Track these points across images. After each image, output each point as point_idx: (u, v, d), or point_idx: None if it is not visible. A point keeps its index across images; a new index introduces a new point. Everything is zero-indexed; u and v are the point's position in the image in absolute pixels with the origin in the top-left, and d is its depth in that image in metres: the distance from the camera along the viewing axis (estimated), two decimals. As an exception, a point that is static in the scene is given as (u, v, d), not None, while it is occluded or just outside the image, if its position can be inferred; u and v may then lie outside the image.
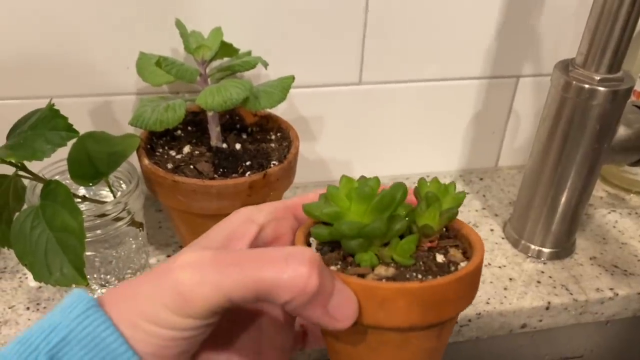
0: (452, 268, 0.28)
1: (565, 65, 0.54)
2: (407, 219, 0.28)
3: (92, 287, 0.52)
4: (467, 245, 0.29)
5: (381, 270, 0.27)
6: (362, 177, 0.29)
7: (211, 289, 0.22)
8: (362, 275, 0.26)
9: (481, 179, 0.75)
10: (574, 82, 0.52)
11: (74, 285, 0.43)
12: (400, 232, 0.27)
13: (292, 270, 0.22)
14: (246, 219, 0.29)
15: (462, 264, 0.28)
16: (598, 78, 0.51)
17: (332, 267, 0.27)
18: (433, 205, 0.28)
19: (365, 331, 0.25)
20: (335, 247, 0.29)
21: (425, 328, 0.26)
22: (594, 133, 0.54)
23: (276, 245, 0.30)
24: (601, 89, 0.51)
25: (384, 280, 0.26)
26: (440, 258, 0.28)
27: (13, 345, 0.24)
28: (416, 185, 0.30)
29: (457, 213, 0.29)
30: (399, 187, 0.27)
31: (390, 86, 0.67)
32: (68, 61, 0.58)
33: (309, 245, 0.30)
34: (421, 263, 0.27)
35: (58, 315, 0.24)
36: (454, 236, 0.30)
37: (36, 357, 0.23)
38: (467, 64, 0.67)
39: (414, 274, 0.27)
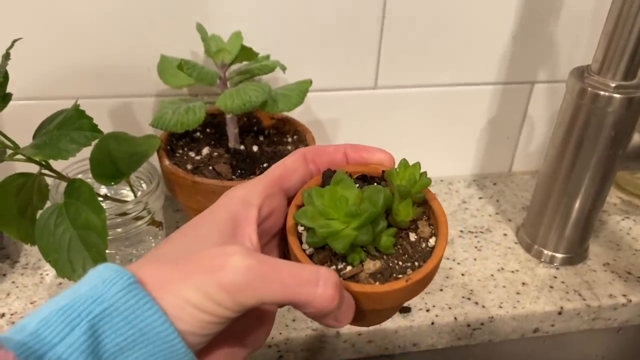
0: (423, 245, 0.32)
1: (581, 72, 0.54)
2: (385, 217, 0.31)
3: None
4: (431, 214, 0.33)
5: (370, 265, 0.30)
6: (339, 176, 0.31)
7: (254, 295, 0.26)
8: (356, 275, 0.30)
9: (495, 183, 0.76)
10: (590, 89, 0.52)
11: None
12: (382, 231, 0.31)
13: (322, 292, 0.26)
14: (243, 202, 0.30)
15: (431, 240, 0.32)
16: (614, 85, 0.52)
17: (326, 265, 0.31)
18: (406, 200, 0.31)
19: (363, 312, 0.30)
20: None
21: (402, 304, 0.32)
22: (609, 139, 0.54)
23: (270, 221, 0.32)
24: (617, 95, 0.51)
25: (372, 278, 0.30)
26: (412, 237, 0.32)
27: (53, 311, 0.24)
28: (385, 170, 0.33)
29: (424, 195, 0.32)
30: (378, 199, 0.30)
31: (405, 91, 0.67)
32: (91, 63, 0.59)
33: (297, 229, 0.32)
34: (399, 247, 0.31)
35: (100, 287, 0.25)
36: (420, 205, 0.33)
37: (78, 324, 0.24)
38: (482, 70, 0.68)
39: (396, 262, 0.31)
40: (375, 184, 0.33)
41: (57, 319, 0.24)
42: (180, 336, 0.25)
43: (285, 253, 0.34)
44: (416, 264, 0.31)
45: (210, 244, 0.28)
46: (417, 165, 0.31)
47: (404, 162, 0.32)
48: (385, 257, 0.31)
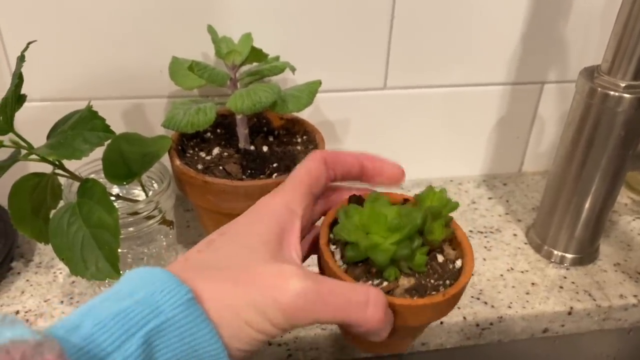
0: (451, 266, 0.34)
1: (591, 72, 0.54)
2: (419, 235, 0.33)
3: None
4: (453, 238, 0.35)
5: (404, 281, 0.32)
6: (382, 196, 0.34)
7: (308, 317, 0.27)
8: (392, 290, 0.32)
9: (505, 184, 0.76)
10: (599, 89, 0.52)
11: (106, 280, 0.44)
12: (417, 249, 0.33)
13: (372, 314, 0.28)
14: (288, 211, 0.31)
15: (458, 262, 0.34)
16: (624, 85, 0.51)
17: (362, 281, 0.32)
18: (439, 221, 0.33)
19: (395, 329, 0.31)
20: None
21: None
22: (619, 139, 0.54)
23: (305, 229, 0.33)
24: (627, 95, 0.51)
25: (407, 294, 0.32)
26: (440, 258, 0.34)
27: (109, 315, 0.24)
28: (416, 195, 0.35)
29: (451, 218, 0.35)
30: (416, 216, 0.32)
31: (414, 91, 0.68)
32: (105, 66, 0.60)
33: (331, 238, 0.34)
34: (429, 266, 0.33)
35: (157, 296, 0.25)
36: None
37: (135, 333, 0.24)
38: (492, 70, 0.68)
39: (428, 280, 0.33)
40: None
41: (113, 324, 0.24)
42: (228, 354, 0.26)
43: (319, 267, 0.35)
44: (447, 282, 0.33)
45: (262, 257, 0.28)
46: (444, 190, 0.34)
47: (430, 188, 0.34)
48: (417, 275, 0.33)
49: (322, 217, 0.36)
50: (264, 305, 0.26)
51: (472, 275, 0.35)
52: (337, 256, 0.33)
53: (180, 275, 0.26)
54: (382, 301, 0.28)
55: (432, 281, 0.33)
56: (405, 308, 0.30)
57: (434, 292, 0.32)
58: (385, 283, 0.32)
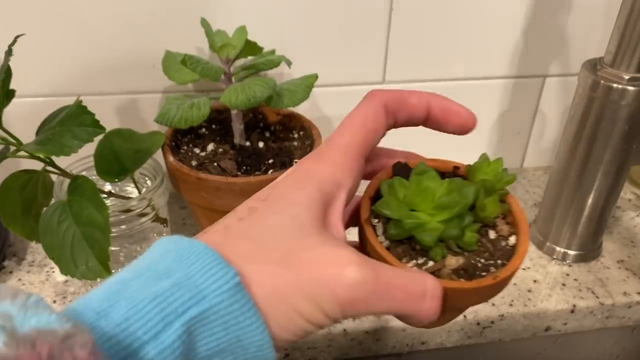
0: (503, 243, 0.30)
1: (593, 65, 0.53)
2: (470, 210, 0.30)
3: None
4: (508, 212, 0.31)
5: (452, 261, 0.29)
6: (428, 165, 0.30)
7: (364, 309, 0.24)
8: (438, 271, 0.29)
9: (506, 180, 0.74)
10: (602, 82, 0.51)
11: (98, 279, 0.44)
12: (467, 226, 0.29)
13: (428, 306, 0.25)
14: (333, 182, 0.27)
15: (512, 239, 0.30)
16: (627, 77, 0.50)
17: (404, 260, 0.29)
18: (493, 196, 0.30)
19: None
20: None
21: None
22: (623, 133, 0.52)
23: (354, 192, 0.29)
24: (630, 88, 0.50)
25: (454, 275, 0.29)
26: (492, 234, 0.31)
27: (145, 299, 0.21)
28: (468, 165, 0.32)
29: (507, 192, 0.31)
30: (468, 192, 0.28)
31: (414, 85, 0.66)
32: (97, 60, 0.59)
33: (372, 211, 0.30)
34: (479, 244, 0.30)
35: (199, 279, 0.22)
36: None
37: (172, 321, 0.21)
38: (493, 63, 0.67)
39: (478, 259, 0.29)
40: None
41: (151, 309, 0.21)
42: (273, 344, 0.24)
43: (359, 240, 0.32)
44: (499, 261, 0.29)
45: (311, 234, 0.25)
46: (500, 161, 0.30)
47: (485, 157, 0.31)
48: (466, 254, 0.30)
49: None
50: (320, 296, 0.23)
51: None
52: (380, 230, 0.30)
53: (221, 251, 0.23)
54: (439, 292, 0.26)
55: (482, 260, 0.29)
56: (452, 291, 0.27)
57: (484, 273, 0.28)
58: (430, 263, 0.29)
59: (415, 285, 0.25)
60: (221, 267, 0.22)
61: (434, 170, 0.30)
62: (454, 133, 0.32)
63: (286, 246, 0.24)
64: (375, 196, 0.31)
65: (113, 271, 0.45)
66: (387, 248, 0.29)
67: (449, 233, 0.28)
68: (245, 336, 0.23)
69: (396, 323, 0.53)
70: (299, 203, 0.26)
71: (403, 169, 0.32)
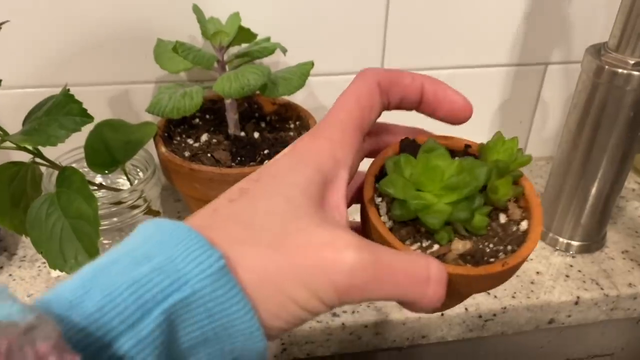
0: (514, 228, 0.28)
1: (597, 50, 0.52)
2: (480, 192, 0.27)
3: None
4: (520, 195, 0.29)
5: (459, 245, 0.27)
6: (437, 141, 0.28)
7: (363, 295, 0.23)
8: (444, 255, 0.27)
9: (507, 170, 0.73)
10: (607, 67, 0.50)
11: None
12: (476, 209, 0.27)
13: (432, 292, 0.24)
14: (333, 159, 0.25)
15: (523, 224, 0.28)
16: (632, 62, 0.49)
17: (408, 243, 0.27)
18: (506, 177, 0.28)
19: None
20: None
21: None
22: (628, 120, 0.51)
23: (352, 177, 0.28)
24: (636, 73, 0.49)
25: (461, 260, 0.27)
26: (503, 218, 0.29)
27: (122, 284, 0.20)
28: (481, 143, 0.30)
29: (521, 174, 0.29)
30: (480, 173, 0.26)
31: (413, 74, 0.65)
32: (87, 50, 0.57)
33: (376, 190, 0.29)
34: (489, 228, 0.28)
35: (180, 262, 0.20)
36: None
37: (150, 310, 0.19)
38: (493, 51, 0.65)
39: (487, 244, 0.27)
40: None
41: (126, 296, 0.19)
42: (264, 333, 0.22)
43: (361, 221, 0.30)
44: (509, 247, 0.27)
45: (306, 215, 0.23)
46: (515, 140, 0.28)
47: (500, 136, 0.28)
48: (474, 237, 0.28)
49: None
50: (315, 282, 0.22)
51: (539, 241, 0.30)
52: (383, 210, 0.28)
53: (207, 234, 0.22)
54: (444, 277, 0.24)
55: (491, 245, 0.28)
56: (458, 277, 0.26)
57: (492, 259, 0.27)
58: (436, 246, 0.27)
59: (419, 270, 0.24)
60: (204, 249, 0.21)
61: (444, 148, 0.28)
62: (447, 121, 0.30)
63: (279, 229, 0.23)
64: (380, 174, 0.29)
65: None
66: (390, 229, 0.27)
67: (457, 216, 0.26)
68: (231, 324, 0.21)
69: (396, 316, 0.51)
70: (294, 184, 0.24)
71: (410, 145, 0.30)
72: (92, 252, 0.41)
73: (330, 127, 0.26)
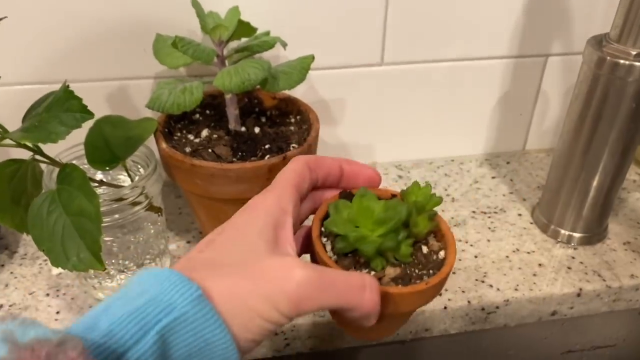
0: (434, 257, 0.36)
1: (599, 40, 0.51)
2: (405, 227, 0.35)
3: (111, 273, 0.51)
4: (437, 231, 0.37)
5: (390, 271, 0.34)
6: (366, 192, 0.36)
7: (314, 304, 0.29)
8: (379, 279, 0.33)
9: (508, 162, 0.73)
10: (609, 58, 0.49)
11: (91, 271, 0.42)
12: (402, 240, 0.34)
13: (368, 297, 0.30)
14: (279, 207, 0.33)
15: (441, 253, 0.36)
16: (634, 53, 0.48)
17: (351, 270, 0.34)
18: (423, 214, 0.35)
19: (382, 316, 0.33)
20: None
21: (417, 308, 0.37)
22: (630, 112, 0.51)
23: (297, 224, 0.36)
24: (638, 64, 0.48)
25: (393, 282, 0.34)
26: (425, 249, 0.36)
27: (125, 313, 0.25)
28: (402, 190, 0.37)
29: (436, 212, 0.36)
30: (402, 210, 0.34)
31: (413, 67, 0.65)
32: (86, 45, 0.57)
33: (322, 231, 0.36)
34: (414, 257, 0.35)
35: (167, 294, 0.26)
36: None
37: (149, 330, 0.25)
38: (493, 43, 0.65)
39: (413, 269, 0.35)
40: None
41: (129, 322, 0.25)
42: (236, 346, 0.27)
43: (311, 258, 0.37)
44: (431, 271, 0.35)
45: (263, 251, 0.30)
46: (429, 186, 0.36)
47: (416, 183, 0.36)
48: (403, 265, 0.35)
49: (312, 216, 0.37)
50: (272, 295, 0.27)
51: (454, 266, 0.38)
52: (328, 247, 0.35)
53: (187, 274, 0.27)
54: (376, 285, 0.31)
55: (416, 271, 0.35)
56: (391, 295, 0.32)
57: (418, 281, 0.33)
58: (372, 273, 0.34)
59: (355, 280, 0.30)
60: (185, 283, 0.27)
61: (373, 194, 0.36)
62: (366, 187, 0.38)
63: (241, 262, 0.29)
64: (325, 218, 0.36)
65: (107, 262, 0.44)
66: (336, 262, 0.34)
67: (386, 245, 0.33)
68: (211, 340, 0.26)
69: (399, 310, 0.51)
70: (250, 231, 0.31)
71: (347, 195, 0.37)
72: (95, 249, 0.41)
73: (276, 187, 0.34)
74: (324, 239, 0.35)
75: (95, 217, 0.41)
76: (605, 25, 0.51)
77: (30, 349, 0.21)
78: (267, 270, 0.28)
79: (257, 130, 0.55)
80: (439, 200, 0.35)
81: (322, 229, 0.36)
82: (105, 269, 0.42)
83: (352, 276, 0.30)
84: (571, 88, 0.61)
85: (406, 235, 0.35)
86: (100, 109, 0.60)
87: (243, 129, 0.55)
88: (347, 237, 0.33)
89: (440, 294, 0.53)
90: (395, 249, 0.34)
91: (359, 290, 0.30)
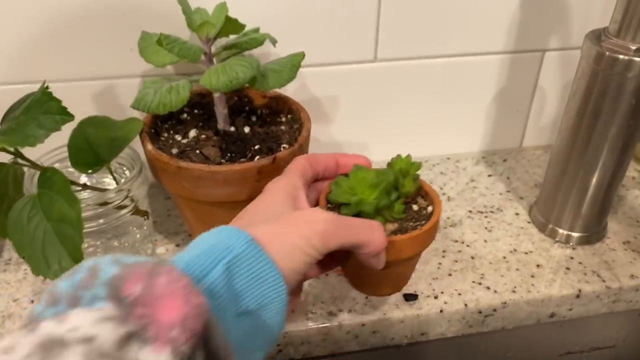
0: (424, 212, 0.45)
1: (597, 35, 0.50)
2: (395, 190, 0.44)
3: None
4: (424, 193, 0.47)
5: (390, 226, 0.44)
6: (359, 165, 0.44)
7: (338, 240, 0.36)
8: None
9: (505, 160, 0.72)
10: (607, 53, 0.48)
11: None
12: (395, 200, 0.44)
13: (377, 235, 0.38)
14: (292, 186, 0.41)
15: (429, 208, 0.45)
16: (634, 48, 0.47)
17: None
18: (407, 177, 0.45)
19: (388, 263, 0.41)
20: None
21: (418, 254, 0.47)
22: (629, 108, 0.50)
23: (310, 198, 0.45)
24: (637, 59, 0.47)
25: (393, 234, 0.43)
26: (415, 207, 0.46)
27: (195, 255, 0.31)
28: (388, 163, 0.46)
29: (418, 175, 0.46)
30: (390, 175, 0.43)
31: (407, 63, 0.63)
32: (68, 43, 0.55)
33: (328, 207, 0.44)
34: (407, 213, 0.45)
35: (227, 240, 0.32)
36: (417, 188, 0.47)
37: (217, 263, 0.31)
38: (489, 38, 0.63)
39: (408, 223, 0.44)
40: None
41: (202, 257, 0.31)
42: (283, 276, 0.33)
43: None
44: (423, 222, 0.44)
45: (289, 210, 0.39)
46: (409, 156, 0.45)
47: (399, 155, 0.45)
48: (399, 221, 0.44)
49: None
50: (306, 233, 0.35)
51: (441, 215, 0.45)
52: None
53: (241, 228, 0.34)
54: (382, 227, 0.39)
55: (411, 224, 0.44)
56: (394, 243, 0.41)
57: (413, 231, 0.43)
58: None
59: (367, 222, 0.38)
60: (238, 232, 0.33)
61: (365, 167, 0.44)
62: None
63: (274, 216, 0.37)
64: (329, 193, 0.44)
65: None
66: None
67: (382, 203, 0.42)
68: (263, 273, 0.33)
69: (393, 314, 0.50)
70: (275, 199, 0.40)
71: (344, 176, 0.44)
72: (76, 256, 0.40)
73: (286, 174, 0.42)
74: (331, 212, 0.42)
75: (76, 222, 0.39)
76: (604, 20, 0.50)
77: (135, 266, 0.26)
78: (298, 217, 0.37)
79: (246, 130, 0.53)
80: (419, 165, 0.45)
81: (329, 205, 0.44)
82: (89, 276, 0.41)
83: (363, 219, 0.39)
84: (569, 83, 0.60)
85: (397, 196, 0.44)
86: (86, 109, 0.58)
87: (232, 128, 0.53)
88: (349, 204, 0.42)
89: (460, 294, 0.51)
90: (390, 207, 0.43)
91: (370, 229, 0.38)
